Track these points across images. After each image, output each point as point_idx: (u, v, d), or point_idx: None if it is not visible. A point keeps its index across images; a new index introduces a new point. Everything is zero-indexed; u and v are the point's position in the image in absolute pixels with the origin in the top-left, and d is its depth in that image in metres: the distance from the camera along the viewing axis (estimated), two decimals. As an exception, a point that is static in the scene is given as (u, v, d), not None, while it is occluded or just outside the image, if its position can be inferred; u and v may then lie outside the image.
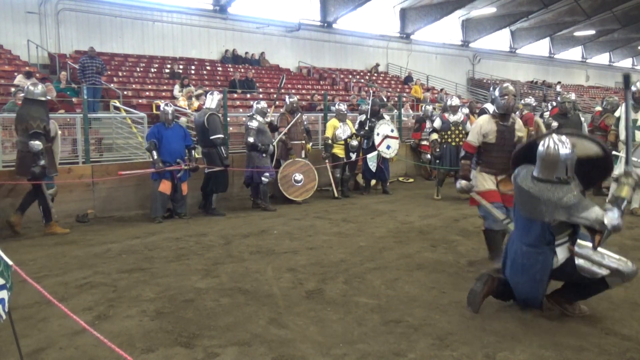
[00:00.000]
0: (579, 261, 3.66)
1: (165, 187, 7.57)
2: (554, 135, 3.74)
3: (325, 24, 23.12)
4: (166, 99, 12.30)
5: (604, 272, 3.60)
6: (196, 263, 5.36)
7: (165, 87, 15.24)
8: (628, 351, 3.29)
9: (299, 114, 9.34)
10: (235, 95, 15.83)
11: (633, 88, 7.82)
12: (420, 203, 8.92)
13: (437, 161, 9.29)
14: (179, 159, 7.69)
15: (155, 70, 16.95)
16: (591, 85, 36.35)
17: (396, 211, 8.15)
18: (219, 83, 17.03)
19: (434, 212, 8.00)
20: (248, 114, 9.07)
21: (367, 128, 9.83)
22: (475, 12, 27.04)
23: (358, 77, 23.07)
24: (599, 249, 3.62)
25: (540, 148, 3.72)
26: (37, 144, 6.40)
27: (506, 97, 5.08)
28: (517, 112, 10.32)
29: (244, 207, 8.67)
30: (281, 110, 9.81)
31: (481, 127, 5.17)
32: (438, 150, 9.14)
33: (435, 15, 24.97)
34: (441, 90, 23.47)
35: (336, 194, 9.49)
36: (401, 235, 6.49)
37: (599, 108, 10.58)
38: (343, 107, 9.88)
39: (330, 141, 9.53)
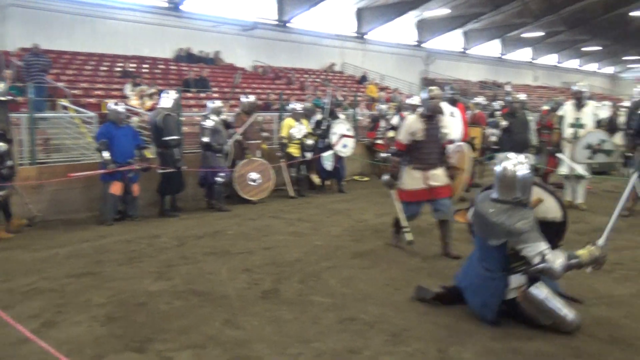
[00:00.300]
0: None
1: (116, 188, 7.38)
2: (512, 156, 3.79)
3: (281, 23, 23.03)
4: (117, 98, 11.97)
5: (546, 322, 3.58)
6: (148, 265, 5.25)
7: (116, 86, 14.81)
8: (574, 339, 3.41)
9: (255, 114, 9.28)
10: (190, 95, 15.57)
11: (574, 88, 8.14)
12: (375, 201, 9.00)
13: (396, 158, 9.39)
14: (130, 159, 7.51)
15: (106, 68, 16.47)
16: (539, 85, 37.54)
17: (352, 210, 8.20)
18: (173, 82, 16.70)
19: (389, 210, 8.04)
20: (202, 114, 8.94)
21: (324, 128, 9.85)
22: (428, 13, 27.48)
23: (314, 76, 23.08)
24: (548, 296, 3.58)
25: (499, 168, 3.75)
26: (1, 146, 6.25)
27: (433, 99, 5.49)
28: (469, 111, 10.58)
29: (198, 207, 8.55)
30: (236, 109, 9.72)
31: (409, 127, 5.51)
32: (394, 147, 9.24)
33: (390, 16, 25.24)
34: (395, 89, 23.76)
35: (292, 194, 9.47)
36: (356, 234, 6.54)
37: (546, 107, 10.96)
38: (298, 106, 9.87)
39: (285, 140, 9.50)
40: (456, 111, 8.59)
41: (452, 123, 8.50)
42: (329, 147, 9.70)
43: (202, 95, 15.71)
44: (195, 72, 17.24)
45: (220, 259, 5.49)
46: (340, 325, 3.75)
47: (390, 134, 9.39)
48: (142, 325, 3.77)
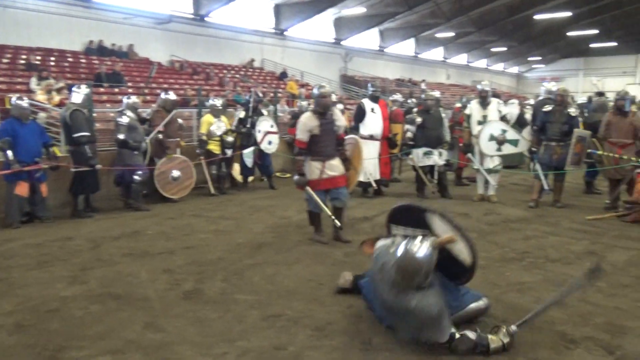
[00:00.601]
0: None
1: (22, 189, 6.91)
2: (410, 238, 3.31)
3: (198, 17, 22.50)
4: (22, 93, 11.24)
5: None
6: (61, 270, 4.98)
7: (20, 80, 13.90)
8: (488, 327, 3.59)
9: (174, 111, 9.02)
10: (102, 90, 14.89)
11: (479, 87, 8.58)
12: (297, 197, 8.99)
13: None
14: (37, 157, 7.07)
15: (7, 61, 15.40)
16: (452, 83, 39.20)
17: (274, 206, 8.19)
18: (83, 76, 15.91)
19: (311, 206, 8.14)
20: (117, 110, 8.57)
21: (248, 125, 9.76)
22: (346, 11, 27.90)
23: (233, 72, 22.79)
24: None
25: (399, 253, 3.26)
26: None
27: (324, 98, 5.81)
28: (388, 108, 10.84)
29: (115, 207, 8.21)
30: (153, 105, 9.41)
31: (305, 124, 5.79)
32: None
33: (308, 13, 25.36)
34: (315, 86, 23.94)
35: (212, 191, 9.31)
36: (280, 230, 6.54)
37: (458, 104, 11.46)
38: (218, 102, 9.71)
39: (205, 137, 9.33)
40: (377, 107, 8.81)
41: (373, 119, 8.74)
42: (255, 143, 9.63)
43: (116, 90, 15.08)
44: (108, 66, 16.52)
45: (139, 260, 5.30)
46: (265, 323, 3.74)
47: None
48: (54, 332, 3.58)
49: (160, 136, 8.60)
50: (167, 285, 4.54)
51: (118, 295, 4.29)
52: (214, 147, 9.44)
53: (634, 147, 7.45)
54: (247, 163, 9.67)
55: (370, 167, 8.65)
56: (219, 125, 9.42)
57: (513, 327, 3.29)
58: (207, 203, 8.56)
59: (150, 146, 8.60)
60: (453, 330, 3.23)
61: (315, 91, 5.99)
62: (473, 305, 3.66)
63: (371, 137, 8.71)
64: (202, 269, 4.96)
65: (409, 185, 9.91)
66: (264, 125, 9.76)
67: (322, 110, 5.83)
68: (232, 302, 4.12)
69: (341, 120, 6.04)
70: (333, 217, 5.87)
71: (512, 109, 10.45)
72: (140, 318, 3.82)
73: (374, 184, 8.63)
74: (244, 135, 9.77)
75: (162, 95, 9.03)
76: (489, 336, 3.26)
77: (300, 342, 3.42)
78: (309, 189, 5.85)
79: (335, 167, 5.89)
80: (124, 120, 7.94)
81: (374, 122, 8.72)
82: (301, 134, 5.80)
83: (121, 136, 7.87)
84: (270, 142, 9.78)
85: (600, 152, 7.63)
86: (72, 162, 7.46)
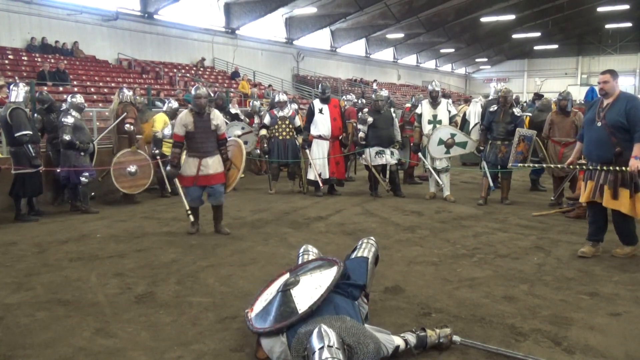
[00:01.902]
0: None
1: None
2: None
3: (146, 15, 22.03)
4: (-42, 91, 10.69)
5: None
6: (4, 276, 4.77)
7: (-44, 78, 13.25)
8: (441, 322, 3.67)
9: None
10: (46, 88, 14.35)
11: (429, 87, 8.75)
12: (251, 198, 8.98)
13: (267, 156, 9.42)
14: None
15: (-59, 57, 14.68)
16: (402, 83, 39.86)
17: (227, 207, 8.05)
18: (25, 74, 15.32)
19: (265, 207, 8.11)
20: (61, 109, 8.26)
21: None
22: (297, 11, 27.93)
23: (183, 71, 22.43)
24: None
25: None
26: None
27: (199, 98, 6.14)
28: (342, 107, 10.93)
29: (61, 210, 7.93)
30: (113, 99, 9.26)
31: (181, 120, 6.20)
32: (266, 145, 9.27)
33: (259, 12, 25.25)
34: (269, 86, 23.85)
35: (170, 190, 9.17)
36: (233, 231, 6.47)
37: (408, 104, 11.64)
38: (175, 104, 9.60)
39: (159, 136, 9.10)
40: (325, 108, 8.89)
41: (321, 120, 8.86)
42: None
43: (60, 89, 14.58)
44: (52, 64, 15.94)
45: (88, 264, 5.14)
46: (220, 325, 3.69)
47: (262, 132, 9.38)
48: (-2, 342, 3.42)
49: (132, 127, 8.41)
50: (118, 289, 4.42)
51: (66, 301, 4.14)
52: (167, 149, 9.24)
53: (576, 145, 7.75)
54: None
55: (318, 166, 8.75)
56: (170, 127, 9.23)
57: (456, 339, 3.28)
58: (158, 204, 8.39)
59: (116, 138, 8.61)
60: (396, 343, 3.07)
61: (192, 91, 6.31)
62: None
63: (320, 137, 8.87)
64: (155, 272, 4.85)
65: (363, 184, 10.01)
66: (234, 131, 9.84)
67: (198, 110, 6.15)
68: (187, 305, 4.05)
69: (219, 120, 6.30)
70: (189, 212, 6.38)
71: (477, 107, 10.75)
72: (90, 324, 3.70)
73: (320, 183, 8.73)
74: None
75: (125, 91, 8.89)
76: (428, 332, 3.23)
77: (255, 343, 3.39)
78: (177, 181, 6.46)
79: (211, 165, 6.20)
80: (69, 120, 7.65)
81: (322, 123, 8.88)
82: (177, 129, 6.23)
83: (67, 137, 7.58)
84: (246, 142, 9.66)
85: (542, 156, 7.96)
86: (13, 164, 7.15)
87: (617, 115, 4.83)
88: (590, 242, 5.26)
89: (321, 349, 2.56)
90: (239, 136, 9.67)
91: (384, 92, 9.27)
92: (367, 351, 2.75)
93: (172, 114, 9.23)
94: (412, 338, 3.19)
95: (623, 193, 4.90)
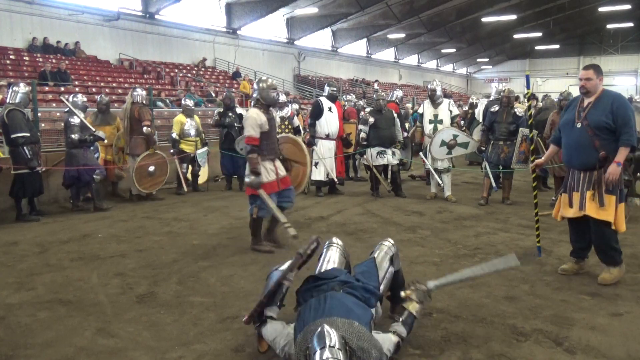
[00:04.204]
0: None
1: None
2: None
3: (147, 15, 22.02)
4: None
5: None
6: (6, 276, 4.78)
7: (-43, 78, 13.28)
8: (442, 322, 3.67)
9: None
10: (47, 89, 14.39)
11: (430, 87, 8.76)
12: (252, 198, 8.98)
13: None
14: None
15: (-57, 57, 14.70)
16: (404, 83, 39.81)
17: (229, 207, 8.11)
18: (27, 74, 15.33)
19: (266, 206, 8.10)
20: (65, 110, 8.28)
21: (228, 120, 9.77)
22: (299, 11, 27.93)
23: (185, 71, 22.43)
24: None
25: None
26: None
27: (274, 90, 5.46)
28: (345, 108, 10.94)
29: (62, 210, 7.94)
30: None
31: (255, 120, 5.31)
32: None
33: (260, 12, 25.24)
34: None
35: (185, 189, 9.43)
36: (235, 231, 6.47)
37: (410, 105, 11.67)
38: (190, 102, 9.74)
39: (176, 136, 9.41)
40: (334, 107, 8.87)
41: (330, 118, 8.81)
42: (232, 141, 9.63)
43: (62, 89, 14.59)
44: (53, 64, 15.95)
45: (89, 264, 5.14)
46: (221, 325, 3.69)
47: None
48: (0, 342, 3.43)
49: (150, 129, 8.49)
50: (119, 289, 4.42)
51: (67, 300, 4.15)
52: (186, 147, 9.49)
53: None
54: (200, 163, 9.56)
55: (328, 166, 8.74)
56: (191, 125, 9.52)
57: (431, 286, 3.31)
58: (160, 205, 8.40)
59: (138, 141, 8.60)
60: (395, 339, 3.07)
61: (261, 84, 5.48)
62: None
63: (327, 136, 8.79)
64: (156, 272, 4.86)
65: (365, 184, 10.01)
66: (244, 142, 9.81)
67: (269, 103, 5.48)
68: (188, 305, 4.05)
69: (329, 122, 5.84)
70: (288, 224, 5.25)
71: (480, 107, 10.82)
72: (91, 324, 3.70)
73: (335, 179, 8.75)
74: (227, 127, 9.75)
75: (139, 91, 8.90)
76: (409, 307, 3.21)
77: (258, 344, 3.39)
78: (262, 192, 5.30)
79: (280, 166, 5.63)
80: (76, 120, 7.71)
81: (330, 122, 8.78)
82: (252, 130, 5.31)
83: (75, 136, 7.65)
84: None
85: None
86: (13, 164, 7.15)
87: (602, 115, 4.25)
88: (574, 258, 4.76)
89: (322, 348, 2.56)
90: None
91: (399, 92, 9.28)
92: (368, 358, 2.73)
93: (189, 112, 9.56)
94: (402, 329, 3.13)
95: (609, 200, 4.28)
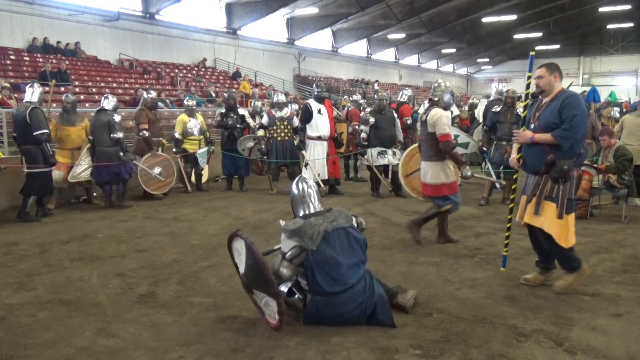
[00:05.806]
0: None
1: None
2: None
3: (148, 15, 22.01)
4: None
5: None
6: (6, 276, 4.78)
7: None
8: (442, 322, 3.66)
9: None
10: (47, 89, 14.36)
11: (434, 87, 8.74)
12: (252, 198, 8.98)
13: (265, 157, 9.42)
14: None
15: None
16: (404, 84, 39.78)
17: (229, 207, 8.11)
18: (27, 75, 15.33)
19: (266, 207, 8.11)
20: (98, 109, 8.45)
21: (230, 121, 9.74)
22: (299, 11, 27.92)
23: (185, 71, 22.43)
24: None
25: None
26: None
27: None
28: (345, 108, 10.92)
29: (62, 210, 7.93)
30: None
31: (446, 117, 5.61)
32: (264, 146, 9.27)
33: (260, 12, 25.23)
34: (269, 86, 23.85)
35: (190, 189, 9.52)
36: (235, 231, 6.46)
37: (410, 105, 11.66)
38: (192, 102, 9.78)
39: (179, 136, 9.44)
40: (323, 109, 8.86)
41: (320, 120, 8.80)
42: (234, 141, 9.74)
43: (62, 89, 14.57)
44: (53, 65, 15.94)
45: (89, 264, 5.14)
46: (221, 325, 3.69)
47: (260, 132, 9.37)
48: (0, 342, 3.42)
49: (147, 133, 8.67)
50: (119, 289, 4.42)
51: (68, 301, 4.15)
52: (190, 146, 9.53)
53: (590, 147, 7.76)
54: (200, 163, 9.56)
55: (318, 167, 8.74)
56: (194, 124, 9.58)
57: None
58: (160, 205, 8.39)
59: (136, 144, 8.85)
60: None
61: (442, 86, 5.85)
62: None
63: (319, 138, 8.80)
64: (156, 272, 4.86)
65: (365, 184, 10.00)
66: (247, 143, 9.84)
67: (446, 108, 5.77)
68: (188, 305, 4.05)
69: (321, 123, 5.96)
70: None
71: (480, 108, 10.83)
72: (91, 324, 3.70)
73: (321, 184, 8.67)
74: (230, 129, 9.73)
75: (144, 95, 9.16)
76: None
77: (258, 344, 3.39)
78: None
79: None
80: (118, 118, 8.08)
81: (321, 123, 8.80)
82: (449, 128, 5.58)
83: (120, 134, 7.96)
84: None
85: None
86: (26, 162, 7.20)
87: (551, 116, 3.98)
88: (538, 269, 4.41)
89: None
90: (251, 147, 9.75)
91: (385, 93, 9.28)
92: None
93: (191, 112, 9.64)
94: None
95: (547, 207, 4.01)
